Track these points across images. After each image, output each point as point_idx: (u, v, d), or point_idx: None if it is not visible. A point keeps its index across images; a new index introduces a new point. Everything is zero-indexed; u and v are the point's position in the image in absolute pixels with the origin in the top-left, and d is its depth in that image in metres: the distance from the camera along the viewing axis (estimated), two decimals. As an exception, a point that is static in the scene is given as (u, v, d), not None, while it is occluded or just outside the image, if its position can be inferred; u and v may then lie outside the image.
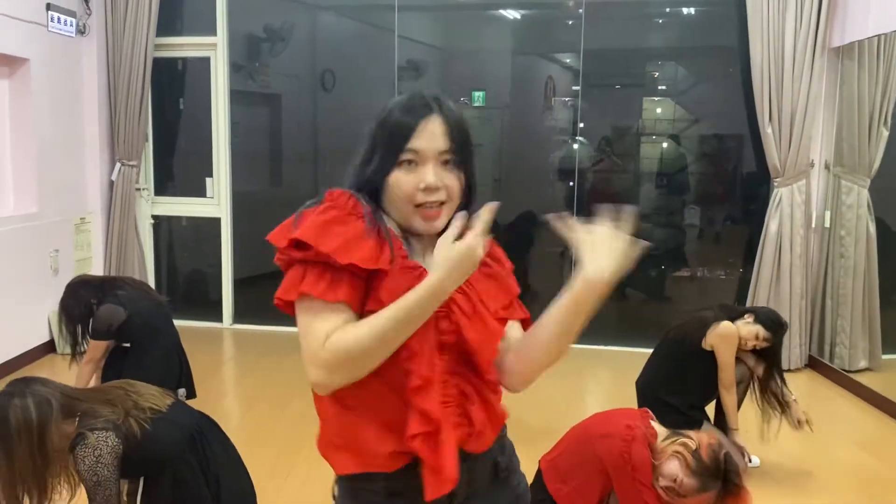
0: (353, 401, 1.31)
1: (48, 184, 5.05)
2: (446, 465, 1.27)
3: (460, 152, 1.33)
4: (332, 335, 1.22)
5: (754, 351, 3.37)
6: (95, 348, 3.39)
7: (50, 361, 5.00)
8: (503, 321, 1.40)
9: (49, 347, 5.11)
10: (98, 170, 5.59)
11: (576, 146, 5.90)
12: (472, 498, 1.38)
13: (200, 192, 5.89)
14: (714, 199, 5.93)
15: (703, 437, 2.26)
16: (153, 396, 2.31)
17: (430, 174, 1.30)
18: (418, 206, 1.32)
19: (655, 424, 2.36)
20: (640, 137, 5.99)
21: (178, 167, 6.10)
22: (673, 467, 2.21)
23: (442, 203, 1.33)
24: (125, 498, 2.30)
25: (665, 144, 6.05)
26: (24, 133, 4.87)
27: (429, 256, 1.32)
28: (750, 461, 3.45)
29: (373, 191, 1.35)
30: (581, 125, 5.82)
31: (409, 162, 1.31)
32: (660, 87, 6.11)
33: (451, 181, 1.33)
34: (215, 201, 5.87)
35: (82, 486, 2.13)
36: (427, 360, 1.27)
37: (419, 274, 1.29)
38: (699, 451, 2.20)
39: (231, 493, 2.30)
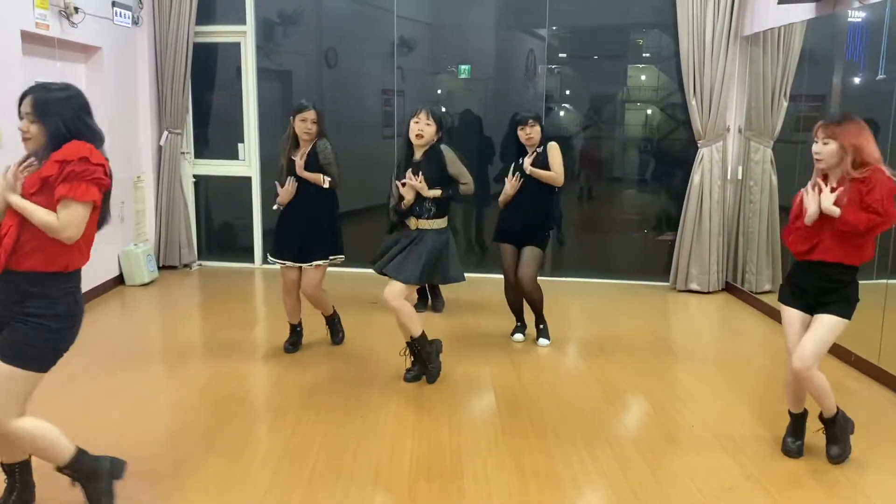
0: None
1: (116, 148, 6.16)
2: None
3: None
4: None
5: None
6: None
7: (120, 293, 6.21)
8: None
9: (118, 281, 6.32)
10: (150, 136, 6.75)
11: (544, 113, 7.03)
12: None
13: (233, 155, 7.05)
14: (654, 157, 7.13)
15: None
16: None
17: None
18: None
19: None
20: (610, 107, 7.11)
21: (214, 134, 7.22)
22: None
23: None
24: None
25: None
26: (99, 107, 5.92)
27: None
28: (544, 342, 4.86)
29: None
30: (550, 95, 6.94)
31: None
32: (613, 60, 7.17)
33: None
34: (246, 163, 7.04)
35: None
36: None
37: None
38: None
39: None
